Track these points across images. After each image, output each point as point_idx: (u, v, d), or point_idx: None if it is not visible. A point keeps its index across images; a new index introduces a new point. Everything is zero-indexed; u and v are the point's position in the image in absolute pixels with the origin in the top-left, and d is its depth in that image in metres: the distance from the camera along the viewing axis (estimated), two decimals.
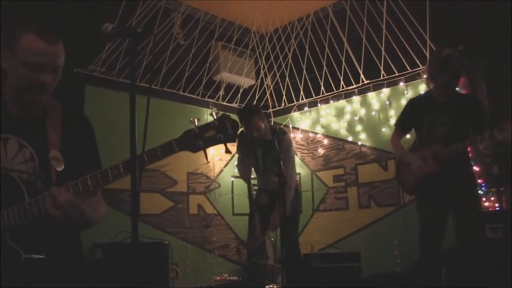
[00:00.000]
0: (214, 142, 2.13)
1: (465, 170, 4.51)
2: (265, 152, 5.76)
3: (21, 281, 2.21)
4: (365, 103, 7.36)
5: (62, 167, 2.37)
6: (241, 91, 8.29)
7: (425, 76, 4.80)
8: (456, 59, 4.49)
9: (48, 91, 2.39)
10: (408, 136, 4.91)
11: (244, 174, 6.05)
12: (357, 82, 7.26)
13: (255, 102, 8.41)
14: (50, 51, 2.35)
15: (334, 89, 7.55)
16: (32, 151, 2.39)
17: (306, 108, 8.10)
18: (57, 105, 2.55)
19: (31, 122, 2.45)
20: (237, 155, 6.13)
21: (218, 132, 2.13)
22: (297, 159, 7.94)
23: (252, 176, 6.00)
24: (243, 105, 8.26)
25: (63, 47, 2.43)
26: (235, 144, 6.11)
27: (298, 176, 6.13)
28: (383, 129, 6.99)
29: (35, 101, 2.42)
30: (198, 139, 2.13)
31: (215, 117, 2.17)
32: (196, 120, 2.16)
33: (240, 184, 7.91)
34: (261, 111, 5.70)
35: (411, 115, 4.71)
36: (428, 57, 6.30)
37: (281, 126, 8.12)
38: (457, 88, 4.76)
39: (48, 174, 2.36)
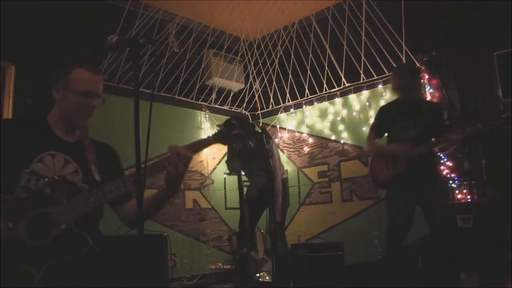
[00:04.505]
0: (240, 137, 2.61)
1: (431, 168, 4.59)
2: (250, 159, 5.79)
3: (88, 265, 2.42)
4: (346, 105, 7.40)
5: (100, 178, 2.63)
6: (231, 95, 8.30)
7: (390, 85, 4.87)
8: (412, 68, 4.62)
9: (94, 114, 2.70)
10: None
11: (233, 170, 6.09)
12: (339, 85, 7.29)
13: (244, 104, 8.44)
14: (95, 80, 2.70)
15: (318, 92, 7.57)
16: (76, 166, 2.62)
17: (292, 110, 8.12)
18: (87, 130, 2.83)
19: (73, 144, 2.71)
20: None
21: (242, 130, 2.60)
22: (284, 157, 7.98)
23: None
24: (233, 107, 8.29)
25: (101, 78, 2.80)
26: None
27: (286, 172, 6.15)
28: (364, 128, 7.01)
29: (83, 123, 2.73)
30: (228, 135, 2.61)
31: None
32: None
33: (232, 180, 7.94)
34: None
35: (383, 120, 4.77)
36: (404, 61, 6.35)
37: (268, 128, 8.14)
38: (430, 91, 4.82)
39: (90, 184, 2.59)
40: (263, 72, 8.21)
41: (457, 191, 5.76)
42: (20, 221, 2.31)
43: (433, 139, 4.47)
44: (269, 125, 8.37)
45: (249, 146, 5.47)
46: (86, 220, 2.43)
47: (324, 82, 7.39)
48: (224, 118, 7.04)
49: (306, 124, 7.96)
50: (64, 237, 2.34)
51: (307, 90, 7.69)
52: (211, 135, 2.63)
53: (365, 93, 7.09)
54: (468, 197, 5.49)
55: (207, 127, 7.91)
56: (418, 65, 5.01)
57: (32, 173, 2.50)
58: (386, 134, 4.87)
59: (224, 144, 2.65)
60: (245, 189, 6.04)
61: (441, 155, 5.89)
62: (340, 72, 7.14)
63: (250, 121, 6.89)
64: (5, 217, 2.29)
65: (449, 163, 5.87)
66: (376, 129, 4.84)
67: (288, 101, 8.07)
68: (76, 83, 2.63)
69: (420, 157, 4.39)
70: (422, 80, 4.72)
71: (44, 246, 2.31)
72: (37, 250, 2.30)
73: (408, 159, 4.40)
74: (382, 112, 4.87)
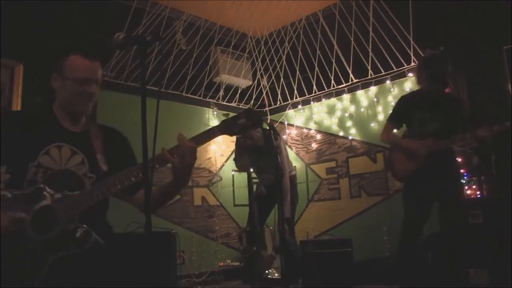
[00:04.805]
0: (246, 127, 2.53)
1: (451, 164, 4.52)
2: (259, 156, 5.78)
3: (92, 259, 2.38)
4: (354, 101, 7.38)
5: (107, 168, 2.63)
6: (239, 92, 8.30)
7: (411, 75, 4.76)
8: (438, 60, 4.50)
9: (94, 100, 2.68)
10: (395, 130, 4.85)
11: (242, 168, 6.09)
12: (346, 81, 7.27)
13: (252, 101, 8.43)
14: (92, 66, 2.66)
15: (326, 88, 7.56)
16: (83, 157, 2.61)
17: (299, 106, 8.12)
18: (94, 118, 2.86)
19: (79, 134, 2.69)
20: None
21: (248, 120, 2.51)
22: (292, 153, 7.98)
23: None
24: (241, 104, 8.29)
25: (100, 64, 2.74)
26: (234, 141, 6.19)
27: (294, 169, 6.14)
28: (372, 124, 7.02)
29: (84, 110, 2.69)
30: (234, 126, 2.53)
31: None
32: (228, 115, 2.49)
33: (240, 177, 7.94)
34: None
35: (403, 110, 4.64)
36: (412, 56, 6.33)
37: (276, 125, 8.15)
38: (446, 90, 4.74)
39: (97, 175, 2.61)
40: (270, 68, 8.21)
41: (466, 187, 5.73)
42: (25, 216, 2.31)
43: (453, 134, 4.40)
44: (277, 121, 8.37)
45: (256, 137, 5.47)
46: (91, 213, 2.41)
47: (332, 78, 7.37)
48: (232, 115, 7.05)
49: (314, 121, 7.95)
50: (68, 232, 2.34)
51: (314, 87, 7.67)
52: (215, 126, 2.57)
53: (373, 89, 7.08)
54: (478, 193, 5.46)
55: (215, 124, 7.87)
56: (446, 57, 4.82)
57: (39, 166, 2.50)
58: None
59: (230, 135, 2.58)
60: (254, 186, 6.05)
61: None
62: (347, 68, 7.12)
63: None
64: (11, 212, 2.30)
65: (458, 159, 5.84)
66: (395, 118, 4.70)
67: (296, 98, 8.06)
68: (72, 70, 2.61)
69: (440, 152, 4.34)
70: (448, 71, 4.54)
71: (48, 241, 2.31)
72: (41, 245, 2.29)
73: (429, 154, 4.33)
74: (403, 101, 4.71)
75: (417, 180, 4.41)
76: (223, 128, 2.56)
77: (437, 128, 4.38)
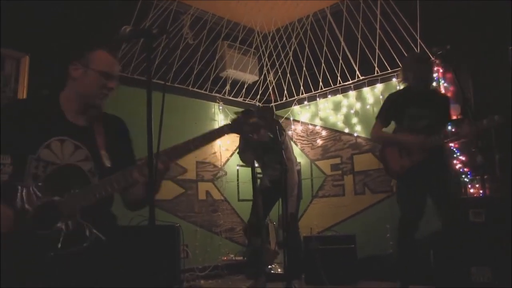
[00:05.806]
0: (258, 126, 2.53)
1: (443, 160, 4.56)
2: (264, 151, 5.78)
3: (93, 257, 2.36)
4: (360, 98, 7.38)
5: (110, 164, 2.60)
6: (245, 87, 8.29)
7: (398, 74, 4.81)
8: (427, 58, 4.55)
9: (109, 96, 2.68)
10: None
11: (246, 161, 6.09)
12: (353, 78, 7.27)
13: (258, 96, 8.43)
14: (115, 63, 2.75)
15: (332, 85, 7.55)
16: (87, 153, 2.58)
17: (305, 102, 8.11)
18: (100, 112, 2.79)
19: (83, 128, 2.66)
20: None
21: (260, 119, 2.52)
22: (297, 149, 7.98)
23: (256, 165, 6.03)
24: (247, 99, 8.29)
25: (119, 61, 2.79)
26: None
27: (299, 165, 6.14)
28: None
29: (99, 104, 2.68)
30: (245, 124, 2.53)
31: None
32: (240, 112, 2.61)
33: (245, 172, 7.95)
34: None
35: (391, 108, 4.70)
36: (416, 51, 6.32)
37: (281, 121, 8.15)
38: (445, 85, 4.78)
39: (101, 171, 2.56)
40: (277, 64, 8.21)
41: (469, 186, 5.74)
42: (29, 210, 2.29)
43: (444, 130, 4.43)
44: (283, 117, 8.37)
45: (261, 133, 5.46)
46: (94, 207, 2.39)
47: (338, 75, 7.37)
48: (237, 109, 7.04)
49: (319, 117, 7.96)
50: (69, 228, 2.32)
51: (321, 83, 7.68)
52: (225, 125, 2.58)
53: (379, 86, 7.07)
54: (481, 191, 5.46)
55: (220, 119, 7.92)
56: (432, 58, 4.94)
57: (39, 159, 2.46)
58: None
59: (240, 134, 2.60)
60: (258, 181, 6.05)
61: (454, 149, 5.87)
62: (354, 65, 7.12)
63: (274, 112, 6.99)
64: (16, 205, 2.28)
65: (462, 157, 5.85)
66: (384, 116, 4.74)
67: (302, 94, 8.06)
68: (98, 63, 2.63)
69: (432, 148, 4.37)
70: (434, 69, 4.58)
71: (48, 237, 2.28)
72: (41, 241, 2.27)
73: (423, 151, 4.37)
74: (392, 99, 4.77)
75: (409, 177, 4.45)
76: (234, 127, 2.56)
77: (427, 124, 4.45)
